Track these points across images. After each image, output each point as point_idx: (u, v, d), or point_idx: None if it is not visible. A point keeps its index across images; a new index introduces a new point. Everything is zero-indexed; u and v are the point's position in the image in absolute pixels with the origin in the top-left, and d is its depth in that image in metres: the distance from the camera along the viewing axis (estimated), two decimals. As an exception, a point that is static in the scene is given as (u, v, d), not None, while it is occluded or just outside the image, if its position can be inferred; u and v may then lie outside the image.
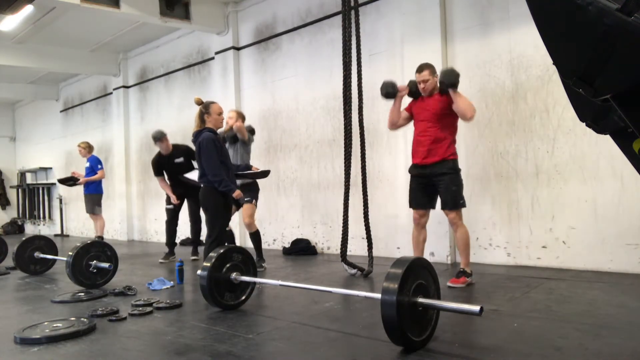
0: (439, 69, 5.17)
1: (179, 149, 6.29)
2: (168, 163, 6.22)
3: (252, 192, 5.22)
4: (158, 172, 6.28)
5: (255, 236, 5.25)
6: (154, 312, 3.52)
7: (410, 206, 4.35)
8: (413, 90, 4.30)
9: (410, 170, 4.34)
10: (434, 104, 4.14)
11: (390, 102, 4.41)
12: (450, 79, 3.93)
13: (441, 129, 4.10)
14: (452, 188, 4.06)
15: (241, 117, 5.22)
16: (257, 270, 5.03)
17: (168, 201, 6.32)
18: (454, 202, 4.07)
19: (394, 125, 4.46)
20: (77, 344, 2.81)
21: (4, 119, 14.53)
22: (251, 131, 5.38)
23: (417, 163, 4.21)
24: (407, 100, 4.46)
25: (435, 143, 4.09)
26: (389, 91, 4.30)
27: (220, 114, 4.33)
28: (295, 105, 6.84)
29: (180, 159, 6.20)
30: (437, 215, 5.17)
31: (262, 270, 5.10)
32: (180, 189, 6.14)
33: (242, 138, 5.16)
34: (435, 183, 4.14)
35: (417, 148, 4.21)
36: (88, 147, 7.65)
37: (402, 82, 5.57)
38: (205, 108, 4.29)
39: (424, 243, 4.36)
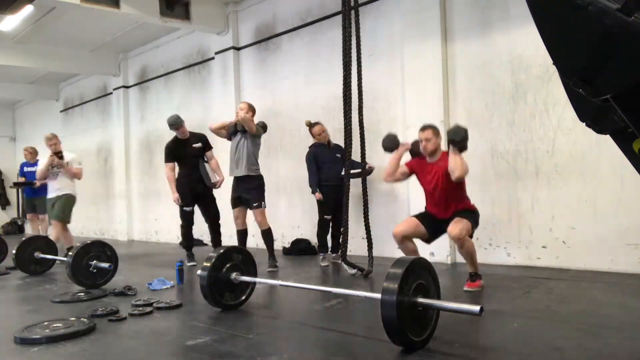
0: (439, 70, 5.20)
1: (196, 135, 6.02)
2: (184, 147, 5.84)
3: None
4: (170, 158, 5.83)
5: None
6: (154, 312, 3.51)
7: (414, 215, 4.16)
8: (415, 150, 4.15)
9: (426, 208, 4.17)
10: (438, 170, 3.92)
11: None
12: (459, 136, 3.74)
13: (451, 190, 3.90)
14: (465, 214, 3.87)
15: (252, 109, 5.20)
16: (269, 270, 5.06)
17: (186, 203, 5.81)
18: (463, 216, 3.85)
19: (391, 177, 4.17)
20: (77, 344, 2.81)
21: (4, 119, 14.53)
22: (263, 127, 5.39)
23: (435, 215, 4.02)
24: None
25: (449, 201, 3.93)
26: (389, 145, 4.16)
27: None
28: (295, 105, 6.84)
29: (198, 144, 5.90)
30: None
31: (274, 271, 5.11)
32: (198, 185, 5.83)
33: (249, 130, 5.11)
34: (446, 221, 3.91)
35: (432, 207, 4.05)
36: (34, 152, 8.00)
37: (402, 82, 5.60)
38: None
39: (416, 253, 4.00)
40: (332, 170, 5.36)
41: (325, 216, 5.41)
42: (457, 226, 3.74)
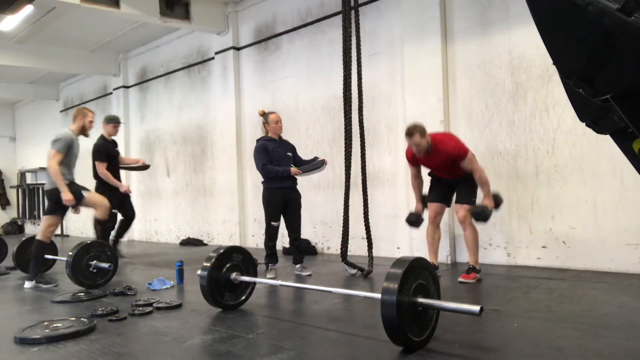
0: (439, 70, 5.19)
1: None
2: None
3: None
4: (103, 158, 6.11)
5: None
6: (154, 312, 3.51)
7: (427, 200, 4.51)
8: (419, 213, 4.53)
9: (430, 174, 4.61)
10: (439, 160, 4.22)
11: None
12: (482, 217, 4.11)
13: (454, 169, 4.24)
14: (469, 183, 4.23)
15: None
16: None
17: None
18: (467, 198, 4.23)
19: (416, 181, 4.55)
20: (77, 344, 2.81)
21: (4, 119, 14.53)
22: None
23: (443, 180, 4.46)
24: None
25: (454, 172, 4.29)
26: (413, 220, 4.51)
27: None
28: (295, 105, 6.84)
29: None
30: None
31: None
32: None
33: None
34: (453, 183, 4.36)
35: (441, 174, 4.43)
36: None
37: (402, 82, 5.59)
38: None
39: (439, 242, 4.51)
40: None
41: (272, 222, 4.87)
42: (462, 208, 4.22)
